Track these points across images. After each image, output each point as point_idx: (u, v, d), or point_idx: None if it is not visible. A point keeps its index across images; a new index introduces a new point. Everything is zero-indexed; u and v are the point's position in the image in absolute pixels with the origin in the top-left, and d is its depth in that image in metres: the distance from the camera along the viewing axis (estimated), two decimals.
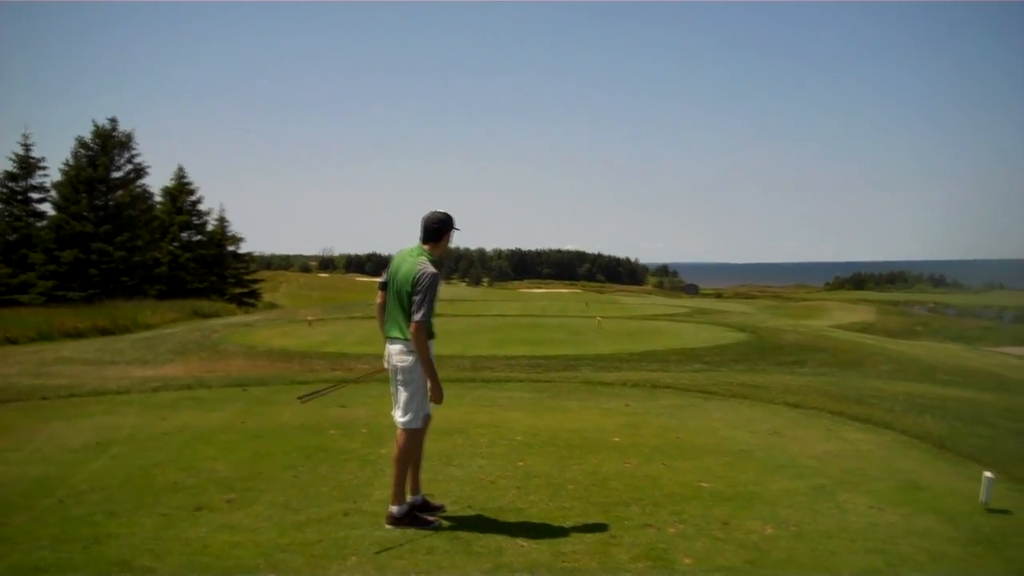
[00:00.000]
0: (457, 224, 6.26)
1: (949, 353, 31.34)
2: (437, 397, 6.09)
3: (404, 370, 6.08)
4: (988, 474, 6.83)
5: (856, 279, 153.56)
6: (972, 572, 5.34)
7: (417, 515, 6.09)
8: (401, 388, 6.12)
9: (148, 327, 33.60)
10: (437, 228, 6.19)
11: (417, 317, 5.88)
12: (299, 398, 7.59)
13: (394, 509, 6.03)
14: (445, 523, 6.06)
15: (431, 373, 6.04)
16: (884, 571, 5.29)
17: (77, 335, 29.89)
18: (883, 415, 11.13)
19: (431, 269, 5.97)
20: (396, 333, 6.09)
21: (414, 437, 6.17)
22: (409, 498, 6.24)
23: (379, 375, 7.32)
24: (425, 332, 5.96)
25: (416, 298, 5.91)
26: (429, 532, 5.86)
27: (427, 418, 6.33)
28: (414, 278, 5.93)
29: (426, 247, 6.18)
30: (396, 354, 6.10)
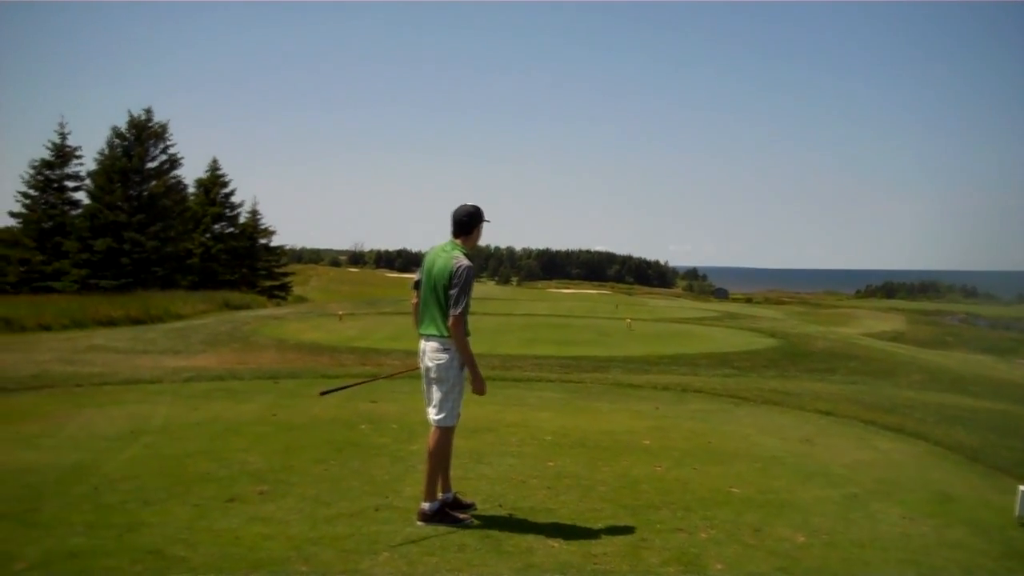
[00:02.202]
0: (487, 216, 6.25)
1: (981, 364, 31.10)
2: (479, 388, 6.10)
3: (440, 368, 6.06)
4: (1022, 487, 6.76)
5: (887, 287, 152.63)
6: None
7: (448, 512, 6.09)
8: (435, 386, 6.12)
9: (179, 317, 33.81)
10: (467, 221, 6.18)
11: (456, 311, 5.89)
12: (321, 393, 7.59)
13: (426, 506, 6.03)
14: (476, 521, 6.06)
15: (472, 364, 6.05)
16: None
17: (109, 323, 30.14)
18: (915, 425, 11.05)
19: (466, 262, 5.98)
20: (432, 330, 6.08)
21: (448, 435, 6.16)
22: (440, 495, 6.25)
23: (409, 373, 7.32)
24: (464, 325, 5.97)
25: (453, 292, 5.91)
26: (459, 529, 5.86)
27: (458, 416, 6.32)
28: (450, 272, 5.93)
29: (458, 241, 6.18)
30: (431, 352, 6.09)
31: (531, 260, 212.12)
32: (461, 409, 6.30)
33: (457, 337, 5.96)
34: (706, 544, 5.74)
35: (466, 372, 6.16)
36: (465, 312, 5.96)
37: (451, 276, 5.93)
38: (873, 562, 5.58)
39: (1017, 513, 6.64)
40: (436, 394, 6.12)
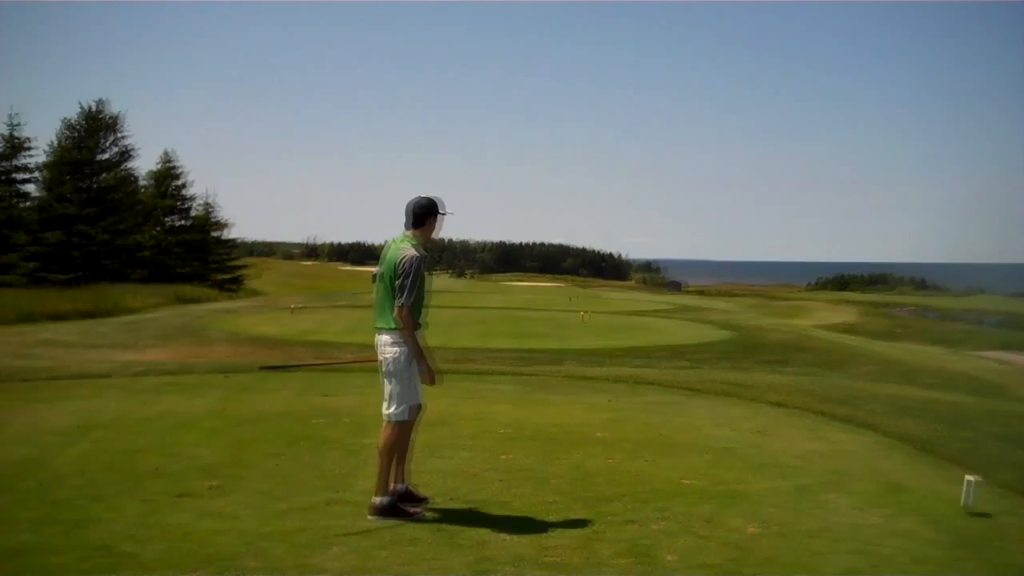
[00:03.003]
0: (445, 208, 6.23)
1: (931, 356, 31.50)
2: (428, 378, 6.07)
3: (390, 361, 6.05)
4: (970, 477, 6.84)
5: (840, 280, 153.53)
6: (953, 575, 5.35)
7: (400, 507, 6.07)
8: (387, 380, 6.10)
9: (131, 311, 33.51)
10: (420, 213, 6.17)
11: (400, 301, 5.89)
12: (261, 368, 7.52)
13: (377, 500, 6.01)
14: (429, 515, 6.04)
15: (419, 354, 6.03)
16: (867, 572, 5.28)
17: (59, 317, 29.78)
18: (866, 416, 11.16)
19: (412, 253, 5.97)
20: (382, 323, 6.08)
21: (400, 429, 6.13)
22: (392, 486, 6.22)
23: (361, 364, 7.27)
24: (412, 317, 5.97)
25: (398, 283, 5.91)
26: (413, 523, 5.84)
27: (418, 409, 6.30)
28: (396, 264, 5.94)
29: (410, 233, 6.17)
30: (383, 345, 6.07)
31: (486, 253, 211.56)
32: (423, 401, 6.30)
33: (405, 328, 5.95)
34: (659, 535, 5.75)
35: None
36: (415, 303, 5.96)
37: (396, 267, 5.93)
38: (824, 552, 5.61)
39: (964, 502, 6.72)
40: (388, 388, 6.09)
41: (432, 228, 6.25)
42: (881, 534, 6.06)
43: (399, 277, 5.91)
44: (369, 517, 5.94)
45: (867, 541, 5.87)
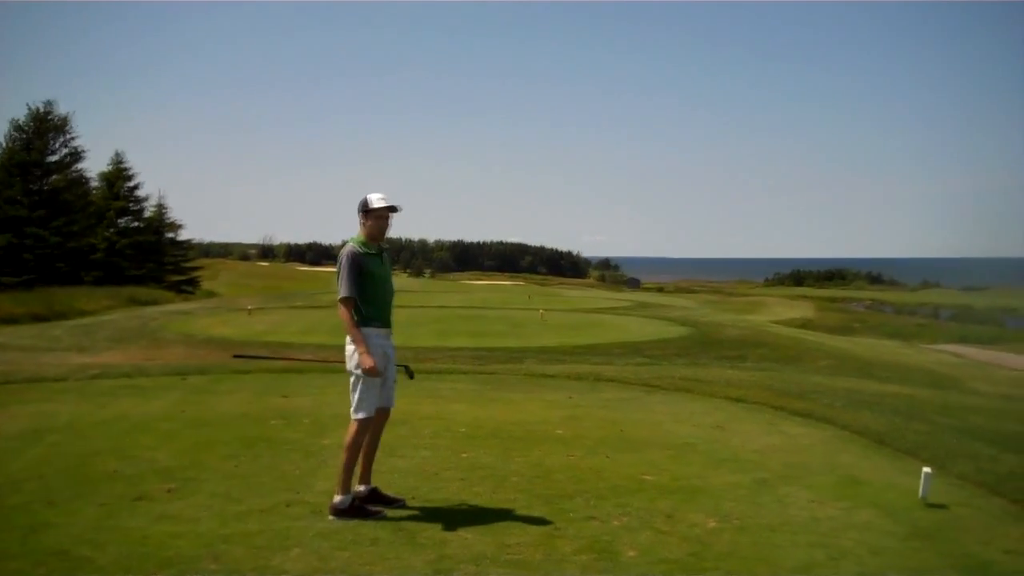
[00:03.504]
0: (383, 202, 6.18)
1: (887, 350, 31.89)
2: (363, 364, 5.98)
3: (348, 360, 6.09)
4: (927, 469, 6.93)
5: (795, 276, 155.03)
6: (910, 565, 5.40)
7: (361, 506, 6.05)
8: (350, 379, 6.12)
9: (84, 314, 33.17)
10: (358, 211, 6.23)
11: (338, 295, 6.04)
12: (235, 355, 7.51)
13: (337, 499, 5.98)
14: (390, 514, 6.02)
15: (355, 340, 6.04)
16: (825, 564, 5.33)
17: (11, 321, 29.41)
18: (824, 410, 11.24)
19: (346, 249, 6.11)
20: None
21: (361, 427, 6.11)
22: (360, 488, 6.21)
23: (325, 365, 7.25)
24: (369, 314, 6.09)
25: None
26: (373, 523, 5.81)
27: (384, 410, 6.30)
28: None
29: (357, 232, 6.26)
30: (346, 345, 6.13)
31: (444, 252, 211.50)
32: (392, 403, 6.36)
33: (342, 320, 6.06)
34: (619, 531, 5.77)
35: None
36: (371, 300, 6.09)
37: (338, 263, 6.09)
38: (782, 545, 5.65)
39: (921, 494, 6.79)
40: (350, 386, 6.11)
41: (375, 225, 6.23)
42: (839, 526, 6.11)
43: (337, 273, 6.08)
44: (329, 517, 5.91)
45: (825, 534, 5.92)
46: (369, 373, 6.01)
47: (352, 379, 6.11)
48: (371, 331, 6.11)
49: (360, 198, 6.22)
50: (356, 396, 6.09)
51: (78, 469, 7.07)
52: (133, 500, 6.21)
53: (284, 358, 9.00)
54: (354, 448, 6.10)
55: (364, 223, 6.21)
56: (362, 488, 6.26)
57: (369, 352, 5.99)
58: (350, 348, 6.07)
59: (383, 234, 6.28)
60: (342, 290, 6.01)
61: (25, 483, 6.62)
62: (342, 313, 6.05)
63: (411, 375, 6.93)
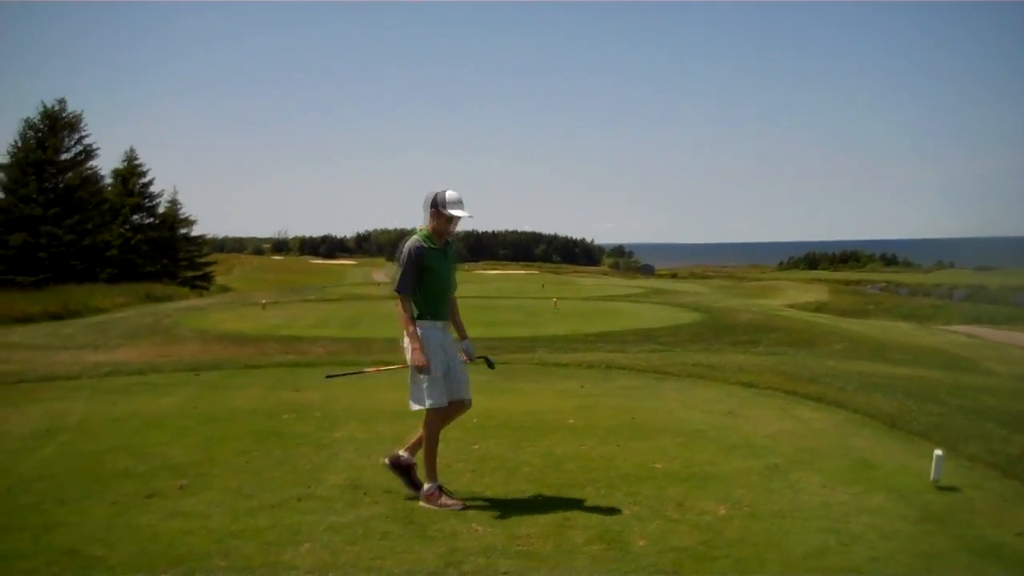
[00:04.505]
0: (453, 205, 6.22)
1: (901, 332, 31.79)
2: (415, 360, 6.10)
3: (405, 352, 6.23)
4: (938, 452, 6.88)
5: (809, 259, 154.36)
6: (922, 549, 5.37)
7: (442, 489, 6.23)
8: (410, 371, 6.28)
9: (99, 311, 33.24)
10: (426, 206, 6.28)
11: (393, 288, 6.14)
12: (328, 376, 7.72)
13: (425, 487, 6.17)
14: (399, 507, 6.03)
15: (411, 336, 6.13)
16: (836, 550, 5.31)
17: (26, 320, 29.50)
18: (836, 394, 11.19)
19: (410, 242, 6.19)
20: None
21: (432, 416, 6.22)
22: (404, 454, 6.37)
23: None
24: (427, 307, 6.20)
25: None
26: (383, 517, 5.81)
27: (458, 402, 6.40)
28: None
29: (421, 225, 6.34)
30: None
31: (458, 242, 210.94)
32: (465, 396, 6.43)
33: (399, 312, 6.16)
34: (630, 520, 5.76)
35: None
36: (427, 294, 6.19)
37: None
38: (794, 531, 5.63)
39: (933, 477, 6.76)
40: (410, 378, 6.30)
41: (438, 218, 6.27)
42: (851, 511, 6.09)
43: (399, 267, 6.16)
44: (421, 503, 6.09)
45: (837, 519, 5.90)
46: (420, 370, 6.10)
47: (410, 371, 6.22)
48: (426, 324, 6.22)
49: (431, 191, 6.27)
50: (417, 387, 6.20)
51: (90, 467, 7.10)
52: (145, 497, 6.22)
53: (372, 370, 9.12)
54: (432, 438, 6.23)
55: (433, 218, 6.26)
56: (405, 455, 6.39)
57: (422, 348, 6.09)
58: (406, 341, 6.18)
59: (450, 234, 6.38)
60: (399, 284, 6.11)
61: (37, 482, 6.65)
62: (398, 307, 6.14)
63: (491, 365, 7.05)
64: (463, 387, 6.39)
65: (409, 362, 6.19)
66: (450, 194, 6.21)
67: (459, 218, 6.27)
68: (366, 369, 9.20)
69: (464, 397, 6.40)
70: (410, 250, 6.14)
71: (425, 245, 6.19)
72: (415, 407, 6.24)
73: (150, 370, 13.69)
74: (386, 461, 6.42)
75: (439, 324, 6.33)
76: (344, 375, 8.03)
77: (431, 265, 6.18)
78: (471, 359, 6.63)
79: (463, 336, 6.67)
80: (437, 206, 6.21)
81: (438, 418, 6.25)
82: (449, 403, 6.27)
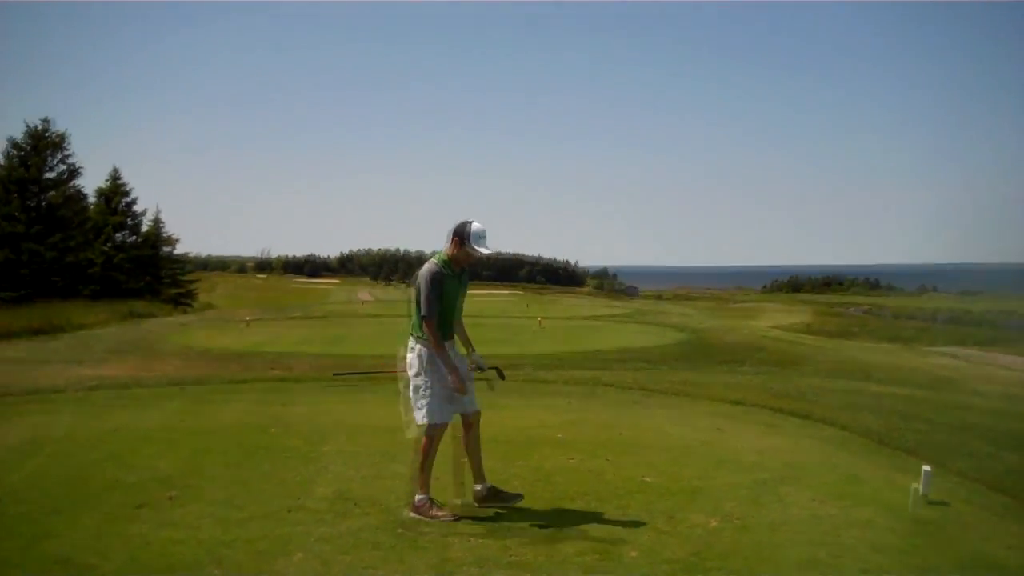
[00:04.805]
0: (479, 242, 6.32)
1: (885, 353, 31.86)
2: (453, 383, 6.19)
3: (409, 367, 6.31)
4: (927, 467, 6.93)
5: (793, 283, 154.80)
6: (914, 562, 5.40)
7: (497, 490, 6.49)
8: (412, 386, 6.33)
9: (82, 327, 33.04)
10: (451, 233, 6.33)
11: (420, 313, 6.19)
12: (335, 375, 7.73)
13: (416, 499, 6.19)
14: (390, 519, 6.02)
15: (444, 362, 6.22)
16: (827, 562, 5.33)
17: (9, 335, 29.29)
18: (822, 412, 11.25)
19: (427, 267, 6.25)
20: (410, 332, 6.36)
21: (431, 432, 6.26)
22: (477, 487, 6.45)
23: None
24: (432, 327, 6.19)
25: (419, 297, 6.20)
26: (374, 527, 5.80)
27: (469, 414, 6.49)
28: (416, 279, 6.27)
29: (441, 250, 6.41)
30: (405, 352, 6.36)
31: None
32: (471, 408, 6.52)
33: (429, 339, 6.20)
34: (620, 532, 5.76)
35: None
36: (429, 314, 6.17)
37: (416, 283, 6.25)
38: (784, 544, 5.65)
39: (921, 491, 6.79)
40: (412, 392, 6.34)
41: (459, 247, 6.33)
42: (840, 524, 6.12)
43: (417, 293, 6.22)
44: (410, 514, 6.10)
45: (826, 532, 5.93)
46: (458, 391, 6.22)
47: (413, 386, 6.28)
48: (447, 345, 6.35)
49: (459, 221, 6.33)
50: (421, 403, 6.24)
51: (79, 478, 7.07)
52: (134, 508, 6.19)
53: (379, 372, 9.16)
54: (428, 452, 6.27)
55: (454, 247, 6.32)
56: (479, 487, 6.45)
57: (457, 373, 6.21)
58: (410, 356, 6.27)
59: (468, 264, 6.47)
60: (423, 309, 6.16)
61: (26, 493, 6.61)
62: (428, 332, 6.17)
63: (502, 376, 7.15)
64: (472, 399, 6.48)
65: (413, 376, 6.27)
66: (476, 227, 6.29)
67: (481, 254, 6.36)
68: (372, 371, 9.20)
69: (474, 408, 6.49)
70: (432, 276, 6.19)
71: (443, 270, 6.26)
72: (418, 422, 6.27)
73: (135, 384, 13.67)
74: (477, 504, 6.40)
75: (447, 344, 6.38)
76: (350, 375, 8.03)
77: (445, 290, 6.28)
78: (482, 369, 6.71)
79: (471, 349, 6.76)
80: (460, 236, 6.28)
81: (438, 434, 6.28)
82: (462, 415, 6.41)
